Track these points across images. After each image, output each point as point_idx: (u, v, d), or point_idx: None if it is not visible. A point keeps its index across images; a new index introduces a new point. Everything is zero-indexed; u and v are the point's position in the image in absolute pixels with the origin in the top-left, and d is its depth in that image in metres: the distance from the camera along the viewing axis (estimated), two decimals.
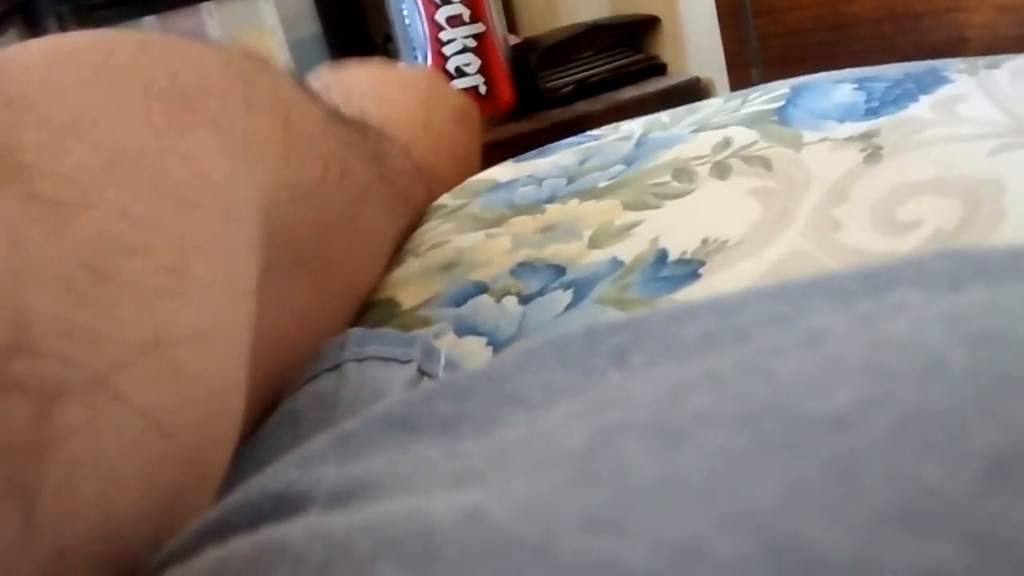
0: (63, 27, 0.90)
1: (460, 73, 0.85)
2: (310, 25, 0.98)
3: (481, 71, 0.85)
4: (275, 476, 0.22)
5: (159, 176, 0.28)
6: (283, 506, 0.21)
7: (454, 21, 0.84)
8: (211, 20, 0.95)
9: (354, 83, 0.64)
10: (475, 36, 0.84)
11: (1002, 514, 0.14)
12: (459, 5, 0.83)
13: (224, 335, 0.28)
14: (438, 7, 0.84)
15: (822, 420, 0.17)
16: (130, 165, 0.28)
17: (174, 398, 0.25)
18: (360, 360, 0.37)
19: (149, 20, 0.93)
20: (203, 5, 0.94)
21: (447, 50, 0.84)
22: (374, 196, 0.49)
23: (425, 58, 0.85)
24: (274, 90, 0.40)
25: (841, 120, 0.49)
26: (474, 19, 0.84)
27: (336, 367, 0.37)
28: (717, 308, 0.23)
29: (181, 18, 0.94)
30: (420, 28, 0.85)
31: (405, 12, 0.85)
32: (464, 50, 0.85)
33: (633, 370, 0.22)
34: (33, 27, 0.92)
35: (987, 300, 0.20)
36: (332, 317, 0.45)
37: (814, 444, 0.16)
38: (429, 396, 0.23)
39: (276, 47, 0.97)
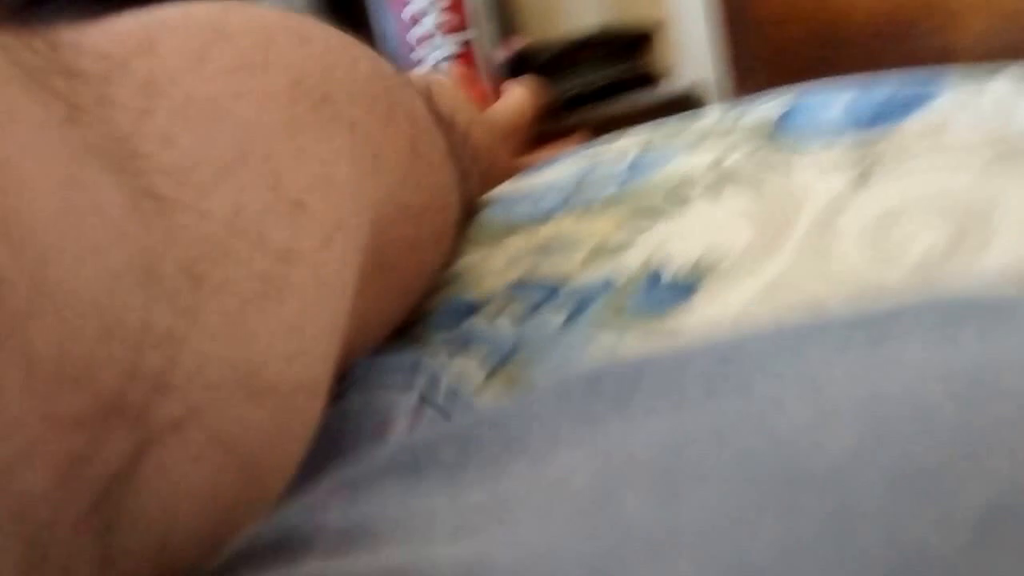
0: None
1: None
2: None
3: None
4: (277, 521, 0.22)
5: (283, 175, 0.28)
6: (284, 552, 0.21)
7: (430, 32, 0.83)
8: None
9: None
10: (452, 46, 0.83)
11: (990, 571, 0.15)
12: (437, 15, 0.83)
13: (312, 348, 0.28)
14: (415, 18, 0.83)
15: (818, 476, 0.17)
16: (255, 163, 0.27)
17: (246, 411, 0.25)
18: (363, 391, 0.37)
19: None
20: None
21: (423, 60, 0.84)
22: (457, 216, 0.49)
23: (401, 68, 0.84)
24: (412, 111, 0.40)
25: (832, 138, 0.49)
26: (451, 31, 0.83)
27: (340, 395, 0.37)
28: (717, 353, 0.23)
29: None
30: (396, 36, 0.84)
31: (384, 26, 0.84)
32: (440, 61, 0.84)
33: (634, 419, 0.22)
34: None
35: (979, 353, 0.20)
36: (391, 323, 0.45)
37: (810, 500, 0.17)
38: (433, 442, 0.23)
39: None
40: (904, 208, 0.42)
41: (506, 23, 1.12)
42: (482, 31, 0.84)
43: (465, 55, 0.83)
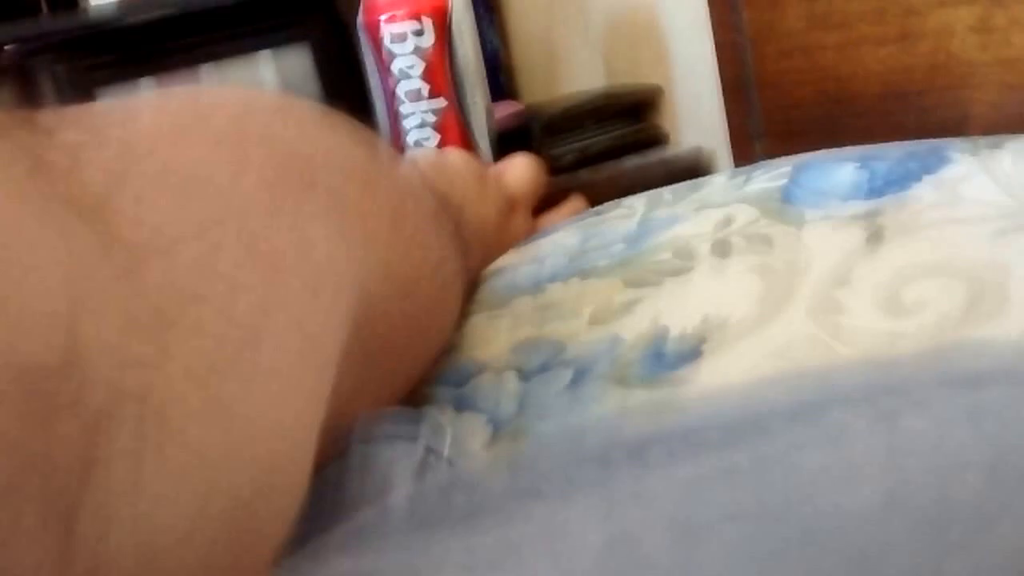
0: (58, 87, 0.89)
1: (418, 147, 0.84)
2: (310, 88, 0.98)
3: (440, 146, 0.84)
4: (290, 568, 0.22)
5: (259, 236, 0.29)
6: None
7: (413, 96, 0.83)
8: (209, 82, 0.94)
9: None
10: (434, 111, 0.83)
11: None
12: (418, 80, 0.82)
13: (294, 401, 0.28)
14: (398, 81, 0.83)
15: (845, 516, 0.17)
16: (230, 227, 0.28)
17: (227, 436, 0.25)
18: (368, 442, 0.36)
19: (147, 82, 0.92)
20: (202, 67, 0.94)
21: (406, 124, 0.84)
22: (457, 287, 0.50)
23: (386, 129, 0.84)
24: (394, 176, 0.41)
25: (844, 199, 0.49)
26: (434, 95, 0.83)
27: (345, 450, 0.36)
28: (737, 399, 0.23)
29: (179, 80, 0.93)
30: (381, 100, 0.84)
31: (371, 83, 0.84)
32: (423, 124, 0.84)
33: (652, 465, 0.21)
34: (27, 85, 0.92)
35: (1006, 397, 0.20)
36: (393, 393, 0.45)
37: (837, 540, 0.17)
38: (446, 488, 0.23)
39: None
40: (917, 271, 0.42)
41: (504, 86, 1.12)
42: (469, 94, 0.83)
43: (448, 118, 0.83)
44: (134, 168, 0.27)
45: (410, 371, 0.46)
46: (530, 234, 0.70)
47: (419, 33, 0.81)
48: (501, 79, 1.12)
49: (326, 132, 0.36)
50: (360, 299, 0.34)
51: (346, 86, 0.90)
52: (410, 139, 0.83)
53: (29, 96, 0.90)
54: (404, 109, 0.83)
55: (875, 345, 0.38)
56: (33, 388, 0.22)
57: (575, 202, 0.78)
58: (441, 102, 0.82)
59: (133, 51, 0.92)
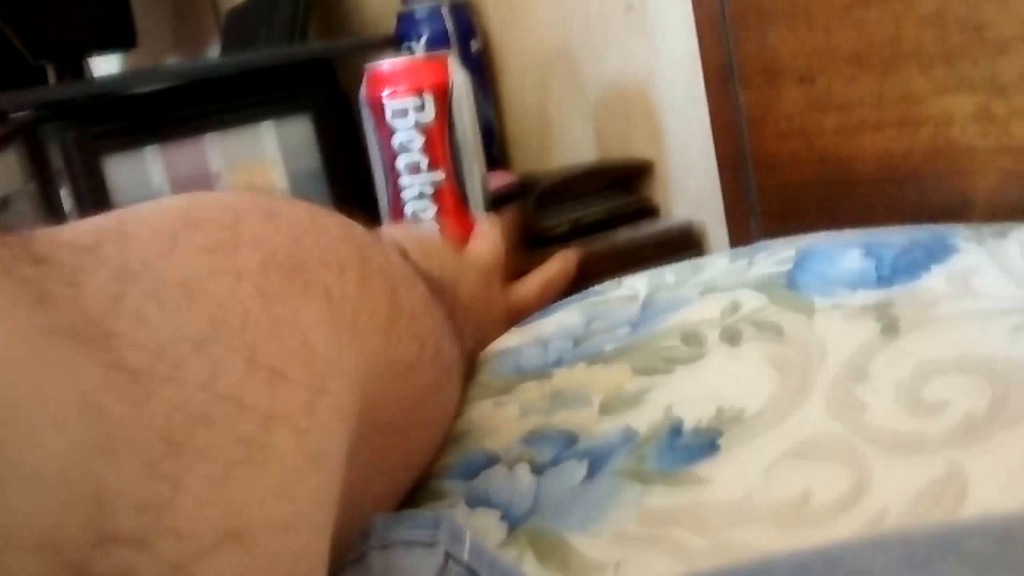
0: (65, 152, 0.90)
1: (416, 218, 0.85)
2: (311, 158, 0.99)
3: (437, 217, 0.85)
4: None
5: (256, 348, 0.29)
6: None
7: (412, 168, 0.84)
8: (213, 151, 0.95)
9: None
10: (432, 183, 0.84)
11: None
12: (417, 153, 0.83)
13: (305, 514, 0.28)
14: (397, 154, 0.84)
15: None
16: (228, 336, 0.28)
17: (242, 566, 0.25)
18: (384, 547, 0.36)
19: (152, 149, 0.93)
20: (206, 136, 0.94)
21: (405, 195, 0.84)
22: (457, 371, 0.50)
23: (385, 200, 0.85)
24: (386, 266, 0.41)
25: (853, 288, 0.49)
26: (432, 167, 0.84)
27: (361, 557, 0.36)
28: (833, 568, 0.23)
29: (184, 149, 0.94)
30: (381, 172, 0.85)
31: (371, 155, 0.85)
32: (421, 196, 0.84)
33: None
34: (34, 149, 0.92)
35: None
36: (399, 483, 0.45)
37: None
38: None
39: (277, 179, 0.97)
40: (937, 367, 0.42)
41: (497, 157, 1.13)
42: (466, 166, 0.85)
43: (446, 189, 0.84)
44: (131, 287, 0.28)
45: (416, 460, 0.46)
46: (517, 299, 0.71)
47: (420, 108, 0.82)
48: (494, 149, 1.12)
49: (316, 231, 0.37)
50: (361, 394, 0.34)
51: (346, 156, 0.91)
52: (408, 210, 0.84)
53: (37, 161, 0.91)
54: (403, 181, 0.84)
55: (897, 442, 0.39)
56: (57, 556, 0.22)
57: (559, 260, 0.79)
58: (439, 174, 0.83)
59: (139, 119, 0.93)
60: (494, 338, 0.59)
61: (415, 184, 0.84)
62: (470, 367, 0.56)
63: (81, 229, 0.30)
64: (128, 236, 0.30)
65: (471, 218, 0.84)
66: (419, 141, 0.83)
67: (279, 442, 0.28)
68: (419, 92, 0.82)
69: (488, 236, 0.79)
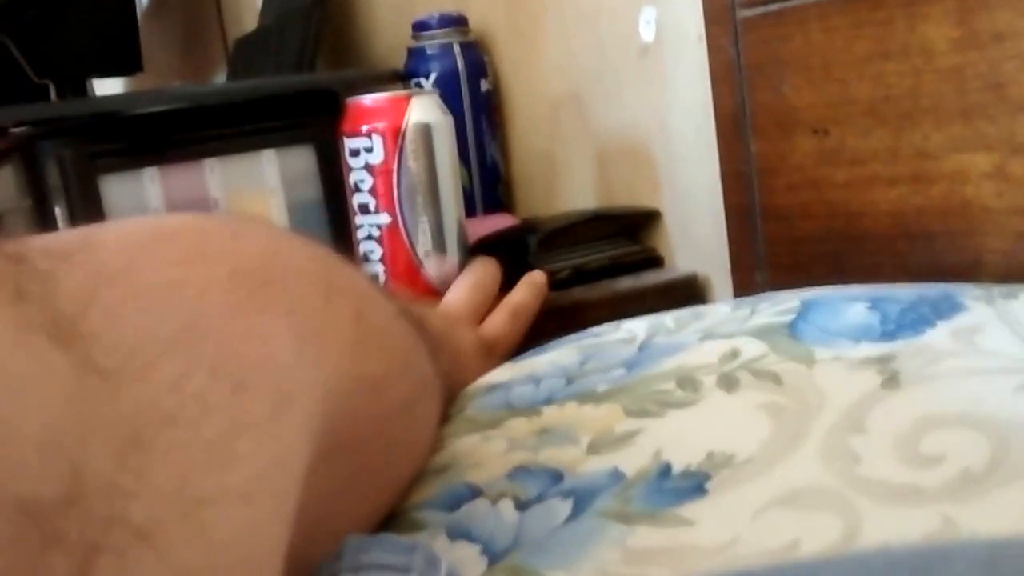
0: (62, 170, 0.89)
1: (366, 259, 0.84)
2: (312, 188, 0.98)
3: (383, 260, 0.84)
4: None
5: (223, 356, 0.30)
6: None
7: (363, 208, 0.83)
8: (213, 177, 0.94)
9: None
10: (379, 226, 0.83)
11: None
12: (366, 194, 0.83)
13: (263, 519, 0.29)
14: (352, 193, 0.83)
15: None
16: (196, 342, 0.29)
17: (207, 560, 0.26)
18: (356, 571, 0.35)
19: (150, 171, 0.92)
20: (206, 161, 0.93)
21: (358, 234, 0.84)
22: (433, 391, 0.50)
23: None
24: (352, 284, 0.42)
25: (855, 340, 0.48)
26: (380, 210, 0.83)
27: None
28: None
29: (183, 172, 0.93)
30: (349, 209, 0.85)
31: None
32: (369, 237, 0.84)
33: None
34: (30, 167, 0.91)
35: None
36: (373, 506, 0.45)
37: None
38: None
39: (276, 208, 0.96)
40: (937, 419, 0.40)
41: (501, 199, 1.12)
42: (417, 212, 0.83)
43: (392, 234, 0.83)
44: (104, 291, 0.28)
45: (391, 482, 0.46)
46: (493, 333, 0.70)
47: (369, 150, 0.82)
48: (500, 191, 1.12)
49: (281, 250, 0.38)
50: (327, 410, 0.35)
51: (347, 190, 0.90)
52: (360, 250, 0.84)
53: (33, 179, 0.90)
54: (357, 220, 0.84)
55: (893, 494, 0.37)
56: (30, 523, 0.23)
57: (526, 284, 0.79)
58: (385, 217, 0.83)
59: (139, 140, 0.92)
60: (467, 377, 0.59)
61: (364, 225, 0.84)
62: (447, 400, 0.56)
63: (51, 239, 0.31)
64: (98, 246, 0.31)
65: (417, 264, 0.83)
66: (368, 182, 0.82)
67: (242, 448, 0.28)
68: (369, 133, 0.82)
69: (476, 274, 0.78)
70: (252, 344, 0.31)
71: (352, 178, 0.83)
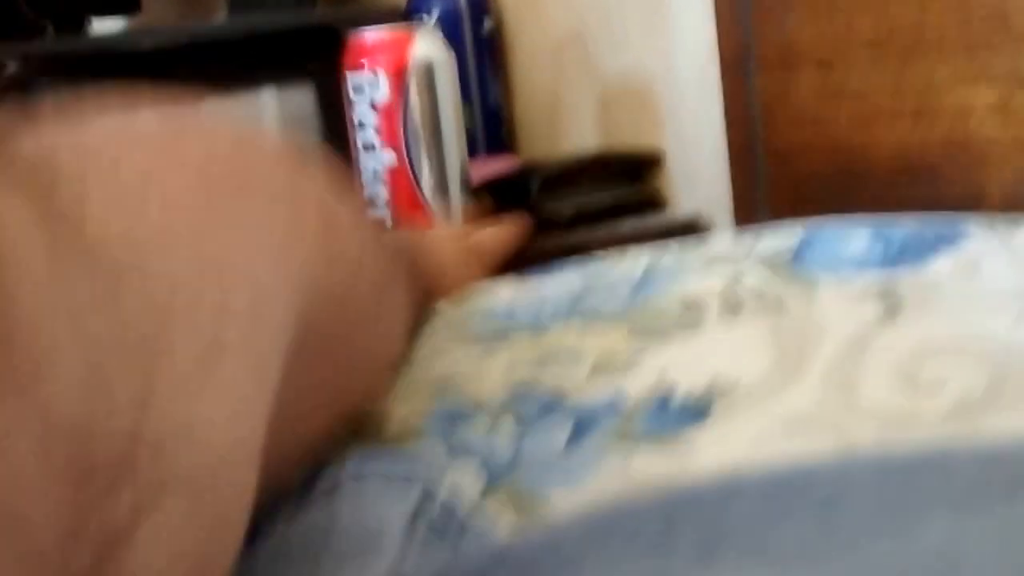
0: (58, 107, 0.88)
1: (371, 203, 0.84)
2: (311, 127, 0.97)
3: (388, 201, 0.83)
4: None
5: (205, 249, 0.30)
6: None
7: (368, 146, 0.83)
8: (212, 113, 0.93)
9: None
10: (384, 165, 0.83)
11: None
12: (371, 132, 0.82)
13: (247, 408, 0.29)
14: (356, 131, 0.83)
15: None
16: (183, 233, 0.30)
17: (207, 462, 0.27)
18: (359, 479, 0.35)
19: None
20: (205, 100, 0.93)
21: (363, 175, 0.83)
22: (397, 283, 0.50)
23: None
24: (317, 186, 0.42)
25: (858, 268, 0.48)
26: (385, 148, 0.82)
27: (334, 487, 0.35)
28: (813, 500, 0.22)
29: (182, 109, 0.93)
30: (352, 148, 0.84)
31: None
32: (375, 177, 0.83)
33: (721, 572, 0.20)
34: (28, 105, 0.90)
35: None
36: (340, 415, 0.44)
37: None
38: (484, 570, 0.23)
39: None
40: (937, 346, 0.40)
41: (504, 141, 1.12)
42: (421, 150, 0.83)
43: (398, 172, 0.82)
44: (94, 174, 0.29)
45: (357, 392, 0.46)
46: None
47: (373, 86, 0.81)
48: (503, 133, 1.11)
49: (254, 152, 0.39)
50: (296, 307, 0.35)
51: (346, 128, 0.89)
52: (366, 190, 0.83)
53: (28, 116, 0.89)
54: (361, 159, 0.83)
55: (892, 422, 0.37)
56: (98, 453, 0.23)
57: (510, 222, 0.78)
58: (390, 156, 0.82)
59: (137, 77, 0.91)
60: (452, 276, 0.60)
61: (369, 164, 0.83)
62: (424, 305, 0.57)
63: (36, 124, 0.32)
64: (84, 129, 0.32)
65: (423, 203, 0.83)
66: (372, 119, 0.82)
67: (230, 340, 0.28)
68: (374, 70, 0.81)
69: (498, 228, 0.77)
70: (230, 234, 0.31)
71: (356, 114, 0.82)
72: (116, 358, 0.25)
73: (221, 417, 0.27)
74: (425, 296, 0.57)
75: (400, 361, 0.51)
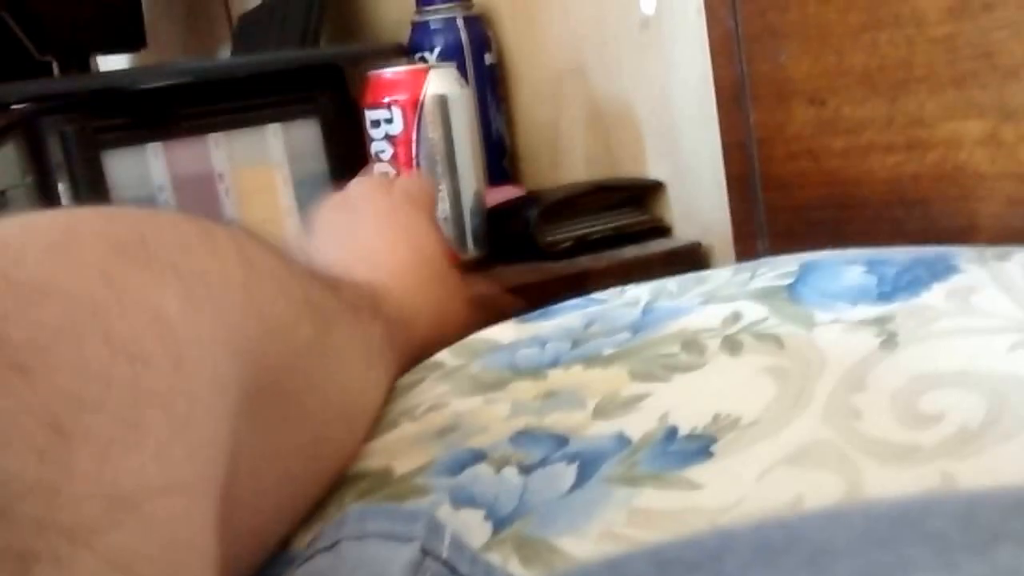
0: (65, 147, 0.89)
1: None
2: (317, 162, 0.99)
3: None
4: None
5: (112, 331, 0.29)
6: None
7: (386, 173, 0.87)
8: (217, 151, 0.95)
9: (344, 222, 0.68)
10: None
11: None
12: (386, 164, 0.87)
13: (184, 484, 0.28)
14: (374, 163, 0.87)
15: None
16: (85, 323, 0.29)
17: (145, 547, 0.26)
18: (359, 538, 0.36)
19: (154, 146, 0.92)
20: (210, 136, 0.94)
21: None
22: (344, 329, 0.49)
23: None
24: (235, 238, 0.41)
25: (853, 302, 0.49)
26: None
27: (334, 545, 0.36)
28: (809, 552, 0.22)
29: (187, 147, 0.94)
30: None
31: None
32: None
33: None
34: (34, 143, 0.91)
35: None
36: (313, 457, 0.45)
37: None
38: None
39: (282, 182, 0.97)
40: (934, 381, 0.42)
41: (507, 171, 1.13)
42: (435, 179, 0.87)
43: None
44: None
45: (314, 432, 0.45)
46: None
47: (389, 120, 0.86)
48: (505, 163, 1.12)
49: (154, 220, 0.38)
50: (235, 357, 0.35)
51: (352, 162, 0.91)
52: None
53: (36, 155, 0.90)
54: None
55: (893, 452, 0.38)
56: None
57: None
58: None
59: (143, 116, 0.93)
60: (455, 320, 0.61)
61: None
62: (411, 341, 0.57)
63: None
64: None
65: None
66: (388, 152, 0.87)
67: (150, 421, 0.28)
68: (389, 105, 0.86)
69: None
70: (137, 316, 0.31)
71: (373, 148, 0.87)
72: (21, 449, 0.25)
73: (151, 486, 0.27)
74: (407, 341, 0.57)
75: (376, 409, 0.51)
